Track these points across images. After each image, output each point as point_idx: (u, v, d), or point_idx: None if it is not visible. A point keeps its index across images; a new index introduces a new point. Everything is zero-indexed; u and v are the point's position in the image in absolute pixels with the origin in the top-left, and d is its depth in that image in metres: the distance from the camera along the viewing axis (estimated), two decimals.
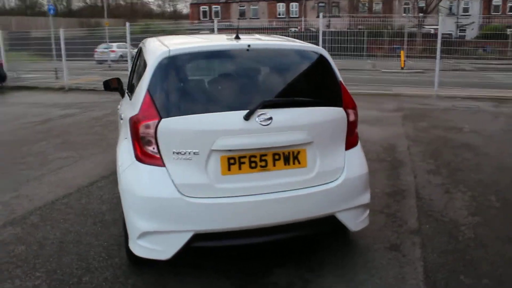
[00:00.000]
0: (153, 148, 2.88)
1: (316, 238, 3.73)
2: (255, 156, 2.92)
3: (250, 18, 47.75)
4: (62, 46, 15.04)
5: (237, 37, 3.33)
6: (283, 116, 2.94)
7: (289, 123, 2.96)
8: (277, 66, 3.28)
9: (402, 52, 17.68)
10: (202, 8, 51.33)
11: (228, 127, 2.86)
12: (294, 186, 3.00)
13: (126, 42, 19.98)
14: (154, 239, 2.90)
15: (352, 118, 3.24)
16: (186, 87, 3.03)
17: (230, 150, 2.87)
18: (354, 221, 3.23)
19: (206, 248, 3.25)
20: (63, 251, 3.65)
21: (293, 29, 39.99)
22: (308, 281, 3.13)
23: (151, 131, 2.85)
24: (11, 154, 6.80)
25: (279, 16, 47.17)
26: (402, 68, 17.78)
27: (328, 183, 3.08)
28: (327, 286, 3.07)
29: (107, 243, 3.74)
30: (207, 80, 3.24)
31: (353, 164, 3.21)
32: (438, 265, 3.32)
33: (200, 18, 50.17)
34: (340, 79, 3.33)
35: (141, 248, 2.96)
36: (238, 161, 2.89)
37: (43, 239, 3.88)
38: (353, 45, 28.12)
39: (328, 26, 37.45)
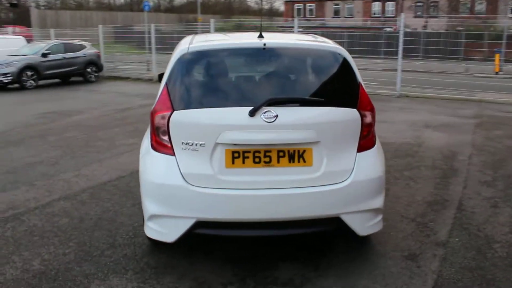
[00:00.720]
0: (166, 138, 3.08)
1: (331, 239, 3.71)
2: (259, 152, 2.99)
3: (345, 17, 46.97)
4: (152, 40, 16.08)
5: (260, 36, 3.40)
6: (289, 114, 2.98)
7: (295, 122, 2.98)
8: (291, 65, 3.31)
9: (497, 55, 16.35)
10: (296, 6, 51.51)
11: (233, 122, 2.96)
12: (297, 184, 3.02)
13: None
14: (161, 222, 3.11)
15: (367, 120, 3.17)
16: (199, 83, 3.19)
17: (234, 144, 2.97)
18: (362, 225, 3.17)
19: (209, 236, 3.39)
20: (98, 226, 4.02)
21: (388, 29, 38.63)
22: (308, 280, 3.14)
23: (165, 121, 3.05)
24: (87, 138, 7.51)
25: (373, 16, 45.83)
26: (496, 73, 16.46)
27: (334, 184, 3.06)
28: (325, 287, 3.06)
29: (137, 224, 4.03)
30: (221, 77, 3.35)
31: (364, 167, 3.14)
32: (451, 280, 3.14)
33: (294, 16, 50.38)
34: (360, 80, 3.27)
35: (150, 229, 3.19)
36: (242, 155, 2.99)
37: (85, 215, 4.28)
38: (448, 47, 26.54)
39: (425, 26, 35.71)
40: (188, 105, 3.07)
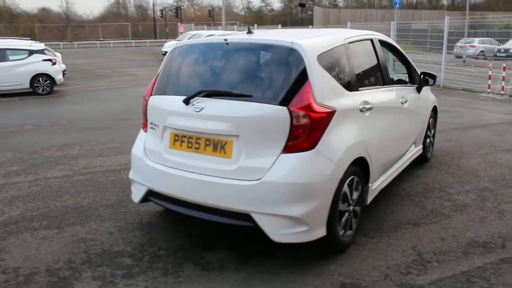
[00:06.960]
0: (146, 118, 3.71)
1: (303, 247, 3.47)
2: (192, 138, 3.29)
3: None
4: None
5: (249, 32, 3.62)
6: (213, 106, 3.18)
7: (216, 113, 3.15)
8: (243, 60, 3.41)
9: None
10: None
11: (174, 108, 3.37)
12: (216, 174, 3.16)
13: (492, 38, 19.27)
14: (133, 185, 3.78)
15: (300, 121, 2.99)
16: (170, 73, 3.72)
17: (175, 128, 3.36)
18: (276, 231, 3.03)
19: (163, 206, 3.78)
20: (128, 186, 4.68)
21: None
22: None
23: (145, 104, 3.69)
24: None
25: None
26: None
27: (246, 180, 3.05)
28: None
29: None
30: (183, 69, 3.72)
31: (284, 169, 2.99)
32: None
33: None
34: (310, 78, 3.08)
35: (131, 191, 3.88)
36: (180, 139, 3.35)
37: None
38: None
39: None
40: (157, 92, 3.65)
